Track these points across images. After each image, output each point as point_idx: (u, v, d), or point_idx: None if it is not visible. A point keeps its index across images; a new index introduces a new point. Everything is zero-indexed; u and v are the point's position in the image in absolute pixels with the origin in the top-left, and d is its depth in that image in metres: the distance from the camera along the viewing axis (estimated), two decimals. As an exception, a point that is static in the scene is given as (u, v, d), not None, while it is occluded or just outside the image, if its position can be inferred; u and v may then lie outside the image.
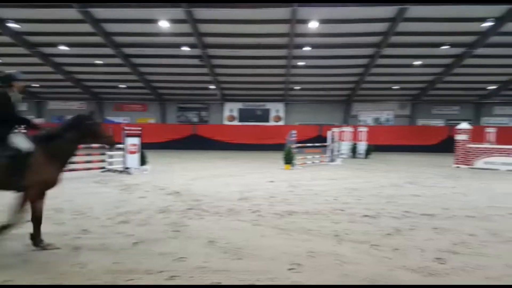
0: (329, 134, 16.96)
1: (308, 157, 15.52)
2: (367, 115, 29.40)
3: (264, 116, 29.49)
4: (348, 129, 20.99)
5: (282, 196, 7.79)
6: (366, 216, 6.02)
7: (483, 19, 16.91)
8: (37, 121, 4.66)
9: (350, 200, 7.44)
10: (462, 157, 14.93)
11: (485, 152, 14.54)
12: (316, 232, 5.02)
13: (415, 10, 16.33)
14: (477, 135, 18.68)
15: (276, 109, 29.49)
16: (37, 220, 4.14)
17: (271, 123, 29.13)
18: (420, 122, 28.77)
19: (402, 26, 17.82)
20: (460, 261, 3.94)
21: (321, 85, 26.02)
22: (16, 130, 4.13)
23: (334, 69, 23.31)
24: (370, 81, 24.85)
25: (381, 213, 6.25)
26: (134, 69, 23.50)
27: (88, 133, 4.35)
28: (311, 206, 6.79)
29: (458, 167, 14.78)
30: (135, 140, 11.92)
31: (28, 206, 4.01)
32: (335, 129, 17.85)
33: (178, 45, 20.34)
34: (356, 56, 21.40)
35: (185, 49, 20.59)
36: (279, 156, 14.83)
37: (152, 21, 17.82)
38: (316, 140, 20.04)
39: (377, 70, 23.03)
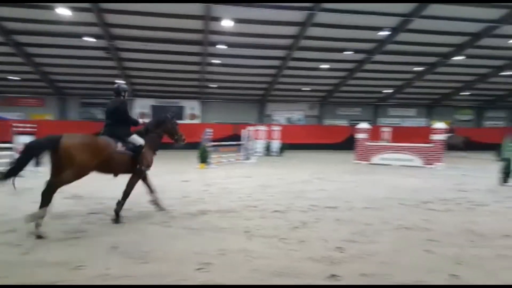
0: (244, 132, 17.24)
1: (224, 155, 15.57)
2: (280, 115, 30.68)
3: (178, 114, 28.77)
4: (262, 128, 21.62)
5: (196, 196, 7.65)
6: (276, 211, 6.22)
7: (380, 28, 18.64)
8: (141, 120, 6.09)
9: (263, 196, 7.63)
10: (361, 154, 16.46)
11: (381, 149, 16.23)
12: (229, 230, 5.03)
13: (322, 16, 17.44)
14: (375, 134, 20.82)
15: (191, 107, 29.02)
16: (128, 194, 5.45)
17: (186, 121, 28.58)
18: (327, 122, 31.04)
19: (311, 31, 18.93)
20: (357, 249, 4.28)
21: (237, 84, 26.37)
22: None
23: (249, 69, 23.78)
24: (282, 82, 25.94)
25: (291, 207, 6.53)
26: (28, 59, 20.92)
27: (168, 130, 6.10)
28: (225, 204, 6.79)
29: (358, 163, 16.25)
30: (28, 139, 10.56)
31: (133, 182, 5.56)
32: (250, 128, 18.29)
33: (80, 35, 18.62)
34: (270, 57, 22.14)
35: (89, 39, 18.93)
36: (194, 155, 14.59)
37: (49, 7, 15.99)
38: (232, 139, 20.23)
39: (289, 72, 24.14)
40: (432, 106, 31.83)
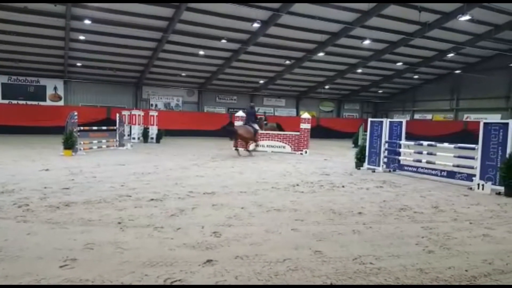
0: (118, 117, 15.93)
1: (94, 141, 14.12)
2: (158, 100, 29.48)
3: (38, 94, 24.95)
4: (138, 113, 20.33)
5: (59, 186, 6.74)
6: (152, 200, 5.92)
7: (253, 20, 19.17)
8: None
9: (138, 185, 7.18)
10: (239, 141, 16.96)
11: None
12: (98, 222, 4.56)
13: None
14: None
15: (54, 86, 25.44)
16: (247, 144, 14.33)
17: (48, 102, 24.97)
18: (206, 109, 31.19)
19: (186, 15, 18.50)
20: (233, 232, 4.35)
21: (108, 64, 24.18)
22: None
23: (120, 49, 22.02)
24: (159, 66, 24.91)
25: (168, 195, 6.30)
26: None
27: (260, 121, 15.77)
28: (94, 194, 6.15)
29: (236, 149, 16.72)
30: None
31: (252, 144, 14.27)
32: (125, 112, 16.99)
33: None
34: (144, 38, 20.90)
35: None
36: (58, 140, 12.83)
37: None
38: (104, 124, 18.49)
39: (166, 55, 23.29)
40: (300, 98, 35.00)
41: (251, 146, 14.51)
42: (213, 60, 25.28)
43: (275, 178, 8.72)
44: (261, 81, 30.21)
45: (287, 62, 26.15)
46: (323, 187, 7.83)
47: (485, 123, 8.23)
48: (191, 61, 24.82)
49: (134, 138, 19.31)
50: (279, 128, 20.71)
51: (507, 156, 7.49)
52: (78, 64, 23.67)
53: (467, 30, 22.12)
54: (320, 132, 29.28)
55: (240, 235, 4.26)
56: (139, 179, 7.93)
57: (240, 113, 17.27)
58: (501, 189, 7.52)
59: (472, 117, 28.92)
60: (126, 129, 19.75)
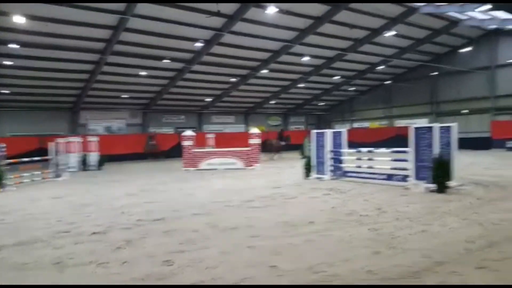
0: (52, 146, 14.84)
1: (26, 174, 12.97)
2: (98, 124, 28.07)
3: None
4: (76, 140, 19.11)
5: (-16, 229, 6.04)
6: (94, 233, 5.52)
7: (196, 40, 19.31)
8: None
9: (77, 218, 6.66)
10: (189, 161, 16.69)
11: (207, 155, 16.87)
12: (33, 265, 4.16)
13: (136, 22, 16.84)
14: (201, 140, 21.52)
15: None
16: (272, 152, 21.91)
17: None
18: (152, 130, 30.26)
19: (125, 36, 18.06)
20: (187, 258, 4.20)
21: (40, 90, 22.64)
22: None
23: (54, 73, 20.77)
24: (98, 88, 23.83)
25: (112, 226, 5.93)
26: None
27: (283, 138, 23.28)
28: (27, 234, 5.60)
29: (187, 170, 16.41)
30: None
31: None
32: (60, 140, 15.85)
33: None
34: (80, 60, 19.93)
35: None
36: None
37: None
38: (37, 154, 17.09)
39: (105, 77, 22.39)
40: (249, 113, 35.45)
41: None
42: (157, 80, 24.75)
43: (228, 196, 8.64)
44: (208, 99, 30.12)
45: (233, 79, 26.41)
46: (276, 200, 7.91)
47: (415, 128, 8.92)
48: (133, 82, 24.06)
49: (72, 167, 18.08)
50: (288, 140, 24.06)
51: (436, 156, 8.16)
52: (6, 91, 21.86)
53: (393, 44, 24.15)
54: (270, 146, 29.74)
55: (194, 260, 4.12)
56: (78, 211, 7.37)
57: (189, 132, 17.01)
58: (433, 187, 8.13)
59: (403, 122, 31.14)
60: (62, 158, 18.45)
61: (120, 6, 15.64)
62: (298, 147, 21.92)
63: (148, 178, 13.54)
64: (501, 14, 20.11)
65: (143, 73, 22.70)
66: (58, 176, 14.40)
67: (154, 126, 30.49)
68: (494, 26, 23.44)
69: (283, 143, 22.86)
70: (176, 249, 4.54)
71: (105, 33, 17.77)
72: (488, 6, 16.73)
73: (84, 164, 18.40)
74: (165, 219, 6.36)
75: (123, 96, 26.18)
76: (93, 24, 16.73)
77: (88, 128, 27.37)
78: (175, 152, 24.53)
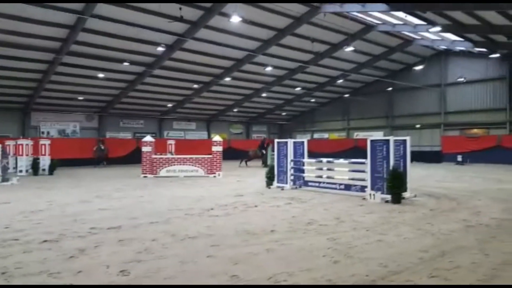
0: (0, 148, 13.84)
1: (-33, 178, 11.98)
2: (51, 127, 26.62)
3: None
4: (26, 142, 17.96)
5: None
6: (45, 241, 5.20)
7: (157, 44, 18.89)
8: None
9: (27, 225, 6.24)
10: (148, 167, 16.21)
11: (167, 162, 16.50)
12: (-28, 278, 3.80)
13: (94, 22, 16.30)
14: (161, 146, 21.01)
15: None
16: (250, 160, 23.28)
17: None
18: (109, 134, 29.17)
19: (82, 36, 17.40)
20: (144, 268, 4.06)
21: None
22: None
23: (3, 71, 19.59)
24: (52, 89, 22.73)
25: (65, 234, 5.61)
26: None
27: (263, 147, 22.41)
28: (-33, 243, 5.14)
29: (145, 176, 15.93)
30: None
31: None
32: (9, 142, 14.87)
33: None
34: (33, 59, 18.92)
35: None
36: None
37: None
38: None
39: (60, 78, 21.42)
40: (211, 121, 35.23)
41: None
42: (115, 83, 23.98)
43: (189, 204, 8.48)
44: (169, 105, 29.58)
45: (195, 86, 26.19)
46: (237, 208, 7.88)
47: (371, 140, 9.31)
48: (90, 84, 23.15)
49: (21, 171, 16.95)
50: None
51: (391, 168, 8.56)
52: None
53: (351, 59, 25.25)
54: (231, 153, 29.70)
55: (152, 270, 3.99)
56: (28, 218, 6.91)
57: (148, 138, 16.58)
58: (389, 197, 8.51)
59: (361, 134, 32.52)
60: (12, 161, 17.25)
61: (79, 5, 15.09)
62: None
63: (103, 185, 12.97)
64: (451, 36, 21.72)
65: (101, 75, 21.94)
66: (6, 180, 13.44)
67: (111, 131, 29.45)
68: (444, 47, 25.25)
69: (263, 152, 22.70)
70: (132, 259, 4.38)
71: (61, 32, 17.05)
72: (438, 28, 17.96)
73: (34, 168, 17.32)
74: (121, 227, 6.12)
75: (79, 98, 25.09)
76: (49, 22, 16.04)
77: (40, 130, 25.89)
78: (133, 158, 23.79)
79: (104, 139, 25.59)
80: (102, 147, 23.69)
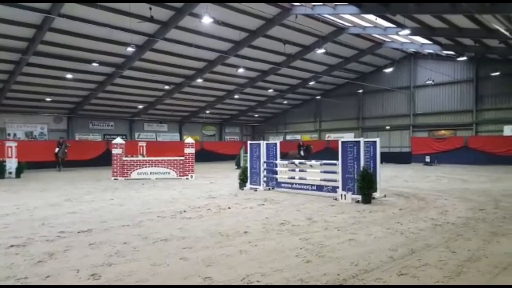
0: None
1: None
2: (18, 129, 25.55)
3: None
4: (-11, 145, 17.16)
5: None
6: (12, 246, 5.04)
7: (127, 44, 18.22)
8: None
9: (-9, 231, 6.02)
10: (119, 170, 15.89)
11: (138, 164, 16.22)
12: None
13: (61, 22, 15.81)
14: (132, 148, 20.62)
15: None
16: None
17: None
18: (78, 136, 28.31)
19: (50, 36, 16.84)
20: (115, 271, 4.02)
21: None
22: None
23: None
24: (18, 90, 21.84)
25: (33, 238, 5.46)
26: None
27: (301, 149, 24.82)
28: None
29: (116, 179, 15.60)
30: None
31: None
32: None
33: None
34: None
35: None
36: None
37: None
38: None
39: (26, 78, 20.61)
40: (183, 122, 34.86)
41: None
42: (84, 84, 23.30)
43: (161, 206, 8.41)
44: (140, 106, 29.04)
45: (167, 87, 25.84)
46: (210, 210, 7.89)
47: (342, 142, 9.57)
48: (58, 85, 22.40)
49: (-16, 175, 16.18)
50: (309, 150, 24.99)
51: (361, 169, 8.84)
52: None
53: (323, 62, 25.74)
54: (204, 155, 29.60)
55: (123, 273, 3.96)
56: (-8, 224, 6.66)
57: (119, 140, 16.24)
58: (359, 197, 8.77)
59: (332, 136, 33.17)
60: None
61: (45, 4, 14.60)
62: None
63: (72, 187, 12.60)
64: (420, 39, 22.53)
65: (69, 76, 21.27)
66: (-36, 185, 12.77)
67: (81, 133, 28.61)
68: (413, 50, 26.22)
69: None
70: (103, 262, 4.33)
71: (27, 32, 16.45)
72: (408, 31, 18.63)
73: (0, 171, 16.57)
74: (92, 230, 6.00)
75: (46, 99, 24.21)
76: (14, 22, 15.46)
77: (6, 132, 24.80)
78: (103, 160, 23.18)
79: (64, 140, 23.89)
80: (63, 149, 21.95)
